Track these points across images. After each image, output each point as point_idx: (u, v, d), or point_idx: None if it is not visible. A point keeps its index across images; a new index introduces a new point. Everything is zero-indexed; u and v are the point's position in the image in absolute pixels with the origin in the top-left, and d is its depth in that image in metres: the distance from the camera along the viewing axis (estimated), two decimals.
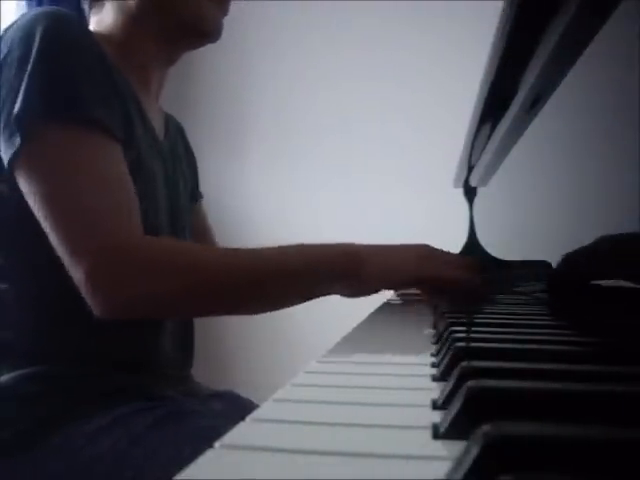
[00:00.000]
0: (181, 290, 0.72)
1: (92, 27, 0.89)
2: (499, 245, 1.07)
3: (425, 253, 0.82)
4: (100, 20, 0.88)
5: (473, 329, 0.49)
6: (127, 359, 0.79)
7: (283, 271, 0.76)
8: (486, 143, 1.01)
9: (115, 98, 0.77)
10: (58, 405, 0.72)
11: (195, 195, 1.08)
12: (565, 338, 0.47)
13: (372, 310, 0.77)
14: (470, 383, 0.25)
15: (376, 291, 0.81)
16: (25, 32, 0.72)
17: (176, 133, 1.03)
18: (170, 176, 0.91)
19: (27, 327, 0.76)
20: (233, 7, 0.92)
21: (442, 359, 0.37)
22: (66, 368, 0.75)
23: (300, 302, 0.79)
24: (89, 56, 0.75)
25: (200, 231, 1.05)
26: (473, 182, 1.18)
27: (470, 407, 0.24)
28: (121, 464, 0.68)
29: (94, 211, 0.71)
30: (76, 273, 0.70)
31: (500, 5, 0.71)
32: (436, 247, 0.84)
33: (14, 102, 0.70)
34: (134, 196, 0.75)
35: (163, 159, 0.90)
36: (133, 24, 0.86)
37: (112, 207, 0.72)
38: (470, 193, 1.19)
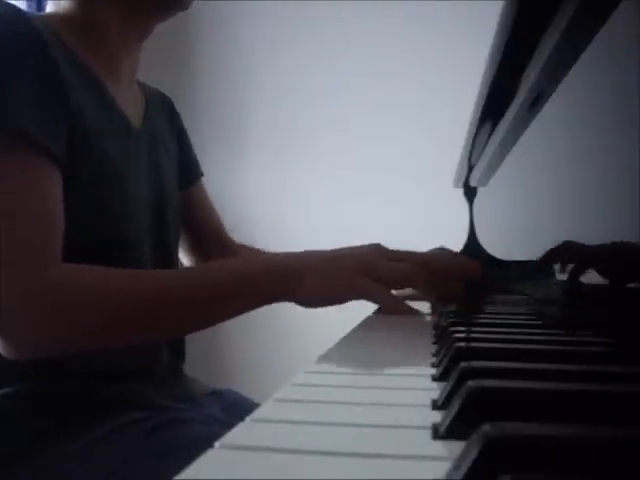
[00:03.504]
0: (91, 329, 0.67)
1: (50, 9, 0.81)
2: (499, 245, 1.07)
3: (363, 263, 0.68)
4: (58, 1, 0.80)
5: (473, 329, 0.49)
6: (120, 370, 0.77)
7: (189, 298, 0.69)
8: (486, 143, 1.01)
9: (58, 105, 0.70)
10: (49, 421, 0.70)
11: (191, 175, 0.99)
12: (565, 338, 0.47)
13: (372, 310, 0.77)
14: (470, 383, 0.25)
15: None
16: None
17: (160, 112, 0.94)
18: (152, 165, 0.86)
19: None
20: (234, 5, 0.90)
21: (442, 359, 0.37)
22: (56, 383, 0.72)
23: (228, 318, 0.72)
24: (28, 60, 0.68)
25: (205, 215, 0.98)
26: (473, 182, 1.18)
27: (470, 407, 0.24)
28: (118, 477, 0.66)
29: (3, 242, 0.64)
30: None
31: (500, 4, 0.71)
32: (385, 248, 0.72)
33: None
34: (53, 221, 0.67)
35: (141, 149, 0.84)
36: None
37: (24, 238, 0.65)
38: (470, 193, 1.19)
